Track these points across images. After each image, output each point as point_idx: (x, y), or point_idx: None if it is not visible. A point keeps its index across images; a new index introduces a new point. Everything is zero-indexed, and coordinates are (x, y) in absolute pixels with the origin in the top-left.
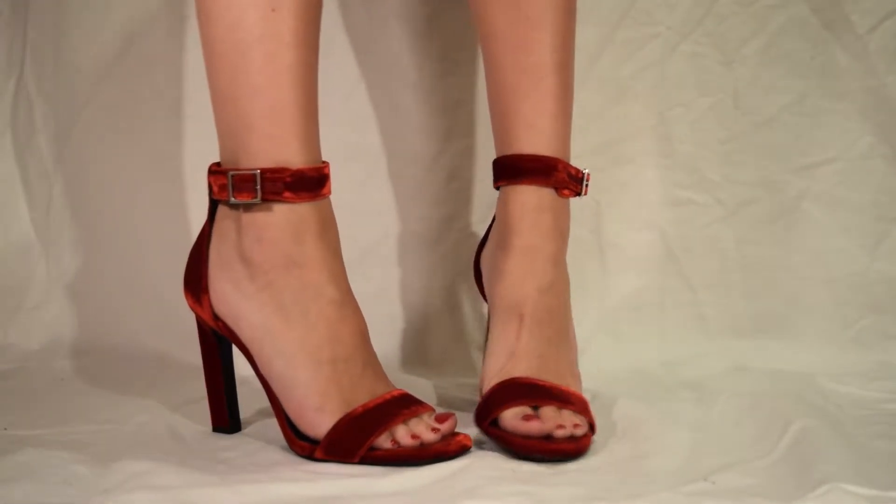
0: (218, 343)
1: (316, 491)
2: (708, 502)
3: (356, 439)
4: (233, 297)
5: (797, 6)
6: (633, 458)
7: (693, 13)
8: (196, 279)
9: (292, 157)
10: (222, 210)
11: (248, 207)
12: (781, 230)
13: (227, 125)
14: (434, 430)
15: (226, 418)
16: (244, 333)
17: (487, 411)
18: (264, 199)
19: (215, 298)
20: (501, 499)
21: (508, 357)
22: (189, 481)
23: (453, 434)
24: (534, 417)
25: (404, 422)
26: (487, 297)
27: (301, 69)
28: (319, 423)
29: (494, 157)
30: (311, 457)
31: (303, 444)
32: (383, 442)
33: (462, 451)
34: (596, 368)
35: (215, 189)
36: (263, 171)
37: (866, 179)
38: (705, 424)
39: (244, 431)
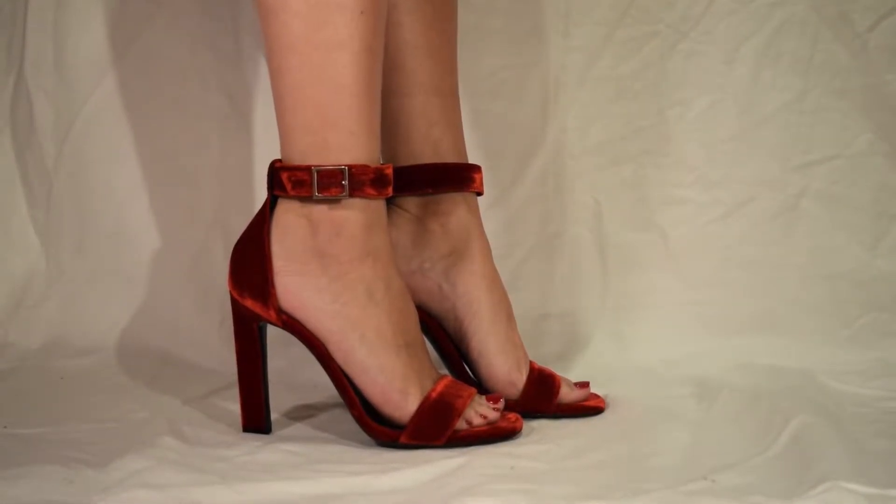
0: (260, 343)
1: (316, 490)
2: (708, 500)
3: (440, 423)
4: (303, 290)
5: (797, 4)
6: (632, 457)
7: (692, 11)
8: (259, 277)
9: (371, 155)
10: (285, 205)
11: (322, 202)
12: (781, 228)
13: (305, 122)
14: (494, 409)
15: (262, 418)
16: (320, 325)
17: (551, 393)
18: (351, 195)
19: (282, 293)
20: (500, 496)
21: (514, 347)
22: (189, 480)
23: (503, 413)
24: (581, 385)
25: (468, 404)
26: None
27: (378, 69)
28: (405, 405)
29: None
30: (395, 442)
31: (384, 430)
32: (459, 424)
33: (519, 428)
34: (596, 367)
35: (288, 185)
36: (350, 167)
37: (866, 177)
38: (705, 423)
39: (243, 431)
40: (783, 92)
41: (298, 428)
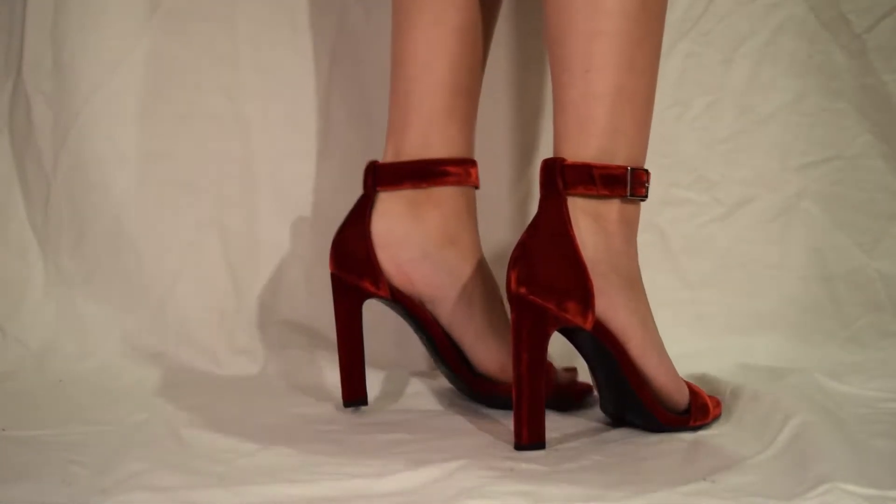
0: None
1: (315, 492)
2: (707, 501)
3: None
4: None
5: (795, 5)
6: (631, 457)
7: (691, 12)
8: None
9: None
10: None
11: (624, 201)
12: (780, 229)
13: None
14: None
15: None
16: (629, 323)
17: (548, 377)
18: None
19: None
20: (500, 498)
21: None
22: (188, 482)
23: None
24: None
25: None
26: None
27: None
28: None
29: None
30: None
31: (677, 418)
32: None
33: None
34: None
35: (599, 182)
36: (636, 170)
37: (864, 178)
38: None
39: (241, 432)
40: (782, 92)
41: (298, 429)
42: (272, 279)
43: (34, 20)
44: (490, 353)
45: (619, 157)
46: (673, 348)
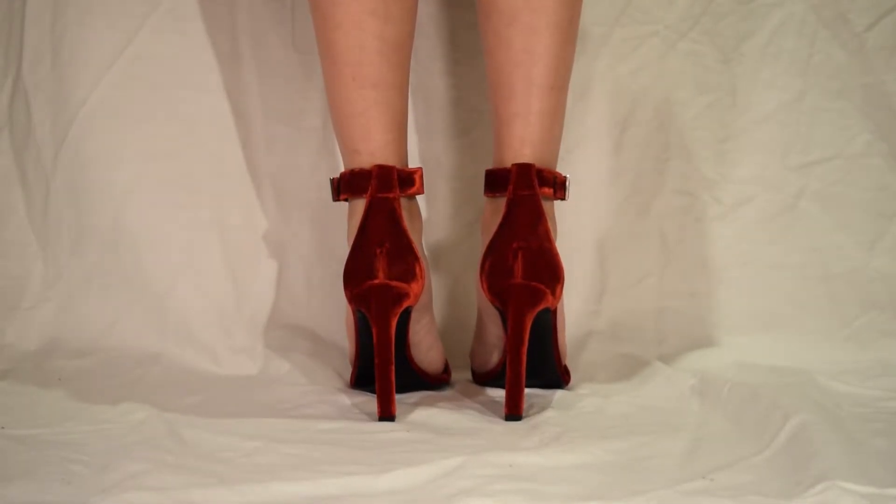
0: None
1: (315, 491)
2: (706, 500)
3: None
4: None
5: (795, 4)
6: (630, 456)
7: (691, 11)
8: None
9: None
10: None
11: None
12: (779, 228)
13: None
14: None
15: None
16: None
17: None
18: None
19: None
20: (499, 496)
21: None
22: (187, 481)
23: None
24: None
25: None
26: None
27: None
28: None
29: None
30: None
31: None
32: None
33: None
34: (594, 366)
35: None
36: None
37: (864, 177)
38: (703, 422)
39: (241, 430)
40: (781, 92)
41: (298, 428)
42: (272, 278)
43: (34, 18)
44: (440, 355)
45: (553, 165)
46: (672, 347)
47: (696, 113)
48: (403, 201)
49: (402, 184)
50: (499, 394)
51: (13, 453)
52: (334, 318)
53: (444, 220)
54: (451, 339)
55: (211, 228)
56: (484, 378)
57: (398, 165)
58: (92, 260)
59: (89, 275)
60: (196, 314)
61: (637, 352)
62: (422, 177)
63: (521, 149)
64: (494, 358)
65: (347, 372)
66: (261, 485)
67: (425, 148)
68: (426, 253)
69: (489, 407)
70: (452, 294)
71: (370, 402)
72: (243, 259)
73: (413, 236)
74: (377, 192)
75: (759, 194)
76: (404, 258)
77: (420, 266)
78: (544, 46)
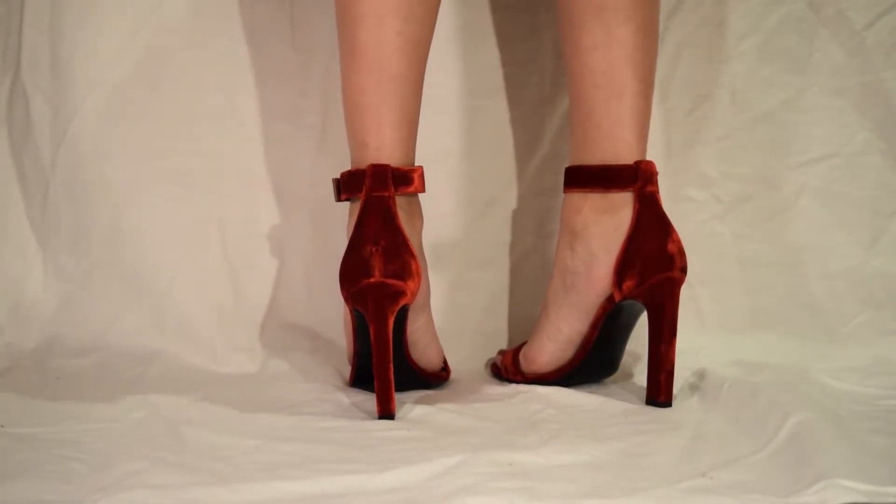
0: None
1: (314, 489)
2: (705, 498)
3: None
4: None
5: (794, 2)
6: (629, 454)
7: (690, 10)
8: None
9: None
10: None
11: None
12: (778, 226)
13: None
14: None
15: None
16: None
17: None
18: None
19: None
20: (498, 495)
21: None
22: (187, 480)
23: None
24: None
25: None
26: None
27: None
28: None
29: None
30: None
31: None
32: None
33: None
34: None
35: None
36: None
37: (863, 175)
38: (702, 420)
39: (240, 430)
40: (781, 90)
41: (297, 427)
42: (271, 276)
43: (32, 17)
44: (438, 353)
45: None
46: None
47: (695, 111)
48: (402, 200)
49: (399, 182)
50: (500, 391)
51: (13, 452)
52: (334, 316)
53: (444, 219)
54: (449, 338)
55: (210, 227)
56: (553, 376)
57: (404, 163)
58: (91, 258)
59: (88, 273)
60: (195, 312)
61: (636, 350)
62: (422, 176)
63: (638, 144)
64: (568, 354)
65: (347, 370)
66: (260, 483)
67: (426, 147)
68: (427, 252)
69: (489, 405)
70: (452, 294)
71: (369, 400)
72: (243, 257)
73: (411, 235)
74: (372, 190)
75: (758, 192)
76: (400, 256)
77: (416, 264)
78: (653, 45)
